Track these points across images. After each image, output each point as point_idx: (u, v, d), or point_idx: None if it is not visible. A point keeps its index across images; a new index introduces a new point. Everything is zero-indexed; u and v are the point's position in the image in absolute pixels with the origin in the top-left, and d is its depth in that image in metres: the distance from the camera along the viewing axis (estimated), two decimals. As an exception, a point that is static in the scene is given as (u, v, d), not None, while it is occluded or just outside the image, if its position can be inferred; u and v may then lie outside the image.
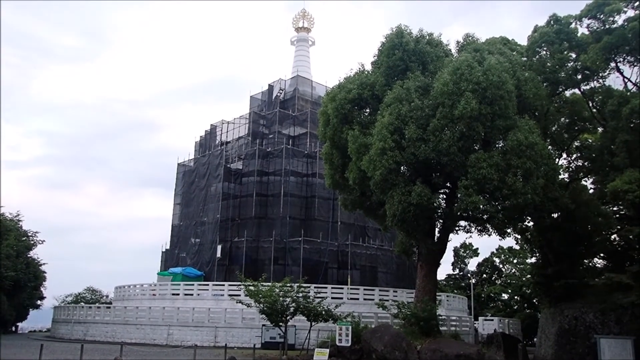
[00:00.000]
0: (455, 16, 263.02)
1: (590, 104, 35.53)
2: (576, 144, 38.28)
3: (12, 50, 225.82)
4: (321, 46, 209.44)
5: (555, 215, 33.82)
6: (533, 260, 45.51)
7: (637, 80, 33.17)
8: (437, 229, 32.20)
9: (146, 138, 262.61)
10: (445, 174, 29.87)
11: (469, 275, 70.01)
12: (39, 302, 66.05)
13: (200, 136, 65.50)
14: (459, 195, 27.92)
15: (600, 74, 33.83)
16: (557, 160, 36.30)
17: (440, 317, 32.83)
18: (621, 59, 32.57)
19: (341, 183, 33.63)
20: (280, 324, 30.37)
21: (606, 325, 31.90)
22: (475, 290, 62.63)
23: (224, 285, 45.46)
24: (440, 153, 27.33)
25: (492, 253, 70.22)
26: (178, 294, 46.21)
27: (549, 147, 34.33)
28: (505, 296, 67.06)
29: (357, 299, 43.95)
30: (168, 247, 61.65)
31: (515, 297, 65.33)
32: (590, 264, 38.95)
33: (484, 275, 70.93)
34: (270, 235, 51.02)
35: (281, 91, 62.35)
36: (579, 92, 35.66)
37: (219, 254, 52.41)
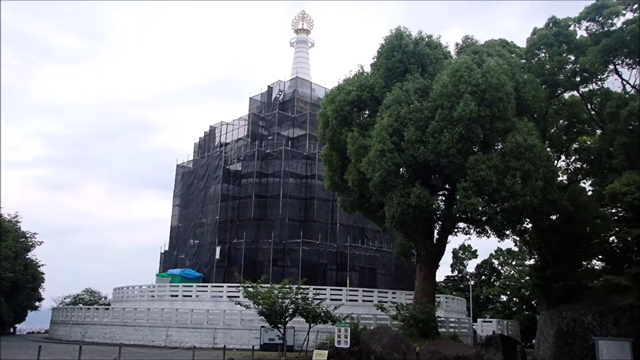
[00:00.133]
0: (455, 18, 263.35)
1: (589, 106, 35.62)
2: (575, 146, 38.39)
3: (11, 52, 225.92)
4: (321, 48, 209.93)
5: (553, 217, 33.90)
6: (532, 262, 45.61)
7: (636, 83, 33.28)
8: (436, 231, 32.25)
9: (146, 139, 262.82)
10: (444, 176, 29.93)
11: (467, 277, 70.02)
12: (37, 303, 65.93)
13: (200, 137, 65.53)
14: (457, 197, 27.95)
15: (599, 77, 33.96)
16: (555, 162, 36.42)
17: (439, 319, 32.84)
18: (620, 62, 32.67)
19: (340, 185, 33.68)
20: (279, 325, 30.38)
21: (604, 327, 31.96)
22: (474, 292, 62.66)
23: (222, 286, 45.48)
24: (439, 155, 27.39)
25: (491, 255, 70.32)
26: (177, 296, 46.18)
27: (548, 149, 34.43)
28: (504, 298, 67.12)
29: (356, 300, 43.96)
30: (167, 248, 61.66)
31: (514, 299, 65.41)
32: (589, 266, 39.04)
33: (483, 277, 70.98)
34: (269, 236, 51.04)
35: (280, 93, 62.40)
36: (578, 95, 35.76)
37: (217, 256, 52.40)
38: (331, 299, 39.74)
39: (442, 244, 32.58)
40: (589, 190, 38.30)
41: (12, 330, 66.15)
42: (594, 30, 33.08)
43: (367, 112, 32.77)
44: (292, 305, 30.07)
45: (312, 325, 31.00)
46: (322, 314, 30.35)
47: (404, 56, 31.13)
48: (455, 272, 71.95)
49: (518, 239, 40.31)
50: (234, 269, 49.87)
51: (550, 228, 34.05)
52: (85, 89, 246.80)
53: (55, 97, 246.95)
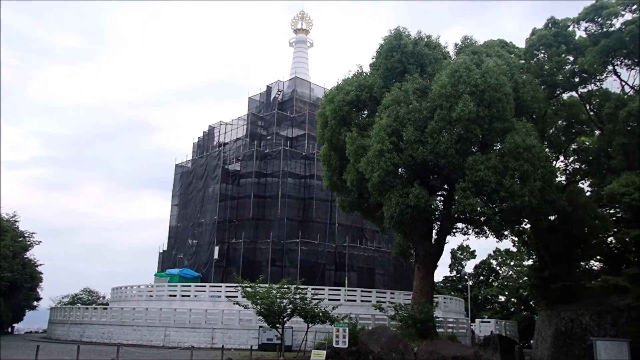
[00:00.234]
0: (455, 18, 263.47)
1: (588, 107, 35.65)
2: (573, 146, 38.42)
3: (11, 52, 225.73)
4: (320, 48, 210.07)
5: (552, 218, 33.94)
6: (530, 262, 45.67)
7: (635, 84, 33.31)
8: (434, 231, 32.27)
9: (145, 139, 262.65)
10: (443, 176, 29.94)
11: (466, 277, 70.05)
12: (35, 303, 65.78)
13: (198, 137, 65.50)
14: (456, 198, 27.95)
15: (598, 77, 34.00)
16: (554, 162, 36.46)
17: (437, 319, 32.85)
18: (618, 62, 32.69)
19: (339, 185, 33.66)
20: (278, 325, 30.39)
21: (602, 328, 31.99)
22: (472, 292, 62.65)
23: (221, 286, 45.47)
24: (438, 155, 27.40)
25: (489, 255, 70.32)
26: (175, 295, 46.17)
27: (546, 149, 34.48)
28: (502, 298, 67.15)
29: (355, 300, 43.97)
30: (165, 248, 61.63)
31: (512, 299, 65.43)
32: (587, 267, 39.07)
33: (481, 278, 70.98)
34: (268, 236, 51.02)
35: (279, 93, 62.38)
36: (577, 95, 35.79)
37: (216, 255, 52.36)
38: (329, 299, 39.73)
39: (440, 244, 32.58)
40: (588, 190, 38.32)
41: (9, 330, 66.04)
42: (593, 31, 33.10)
43: (366, 112, 32.75)
44: (291, 305, 30.08)
45: (310, 325, 31.02)
46: (321, 314, 30.37)
47: (403, 56, 31.12)
48: (454, 273, 71.99)
49: (516, 239, 40.36)
50: (233, 269, 49.88)
51: (548, 228, 34.09)
52: (85, 89, 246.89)
53: (55, 97, 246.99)
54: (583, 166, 38.06)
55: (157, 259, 61.82)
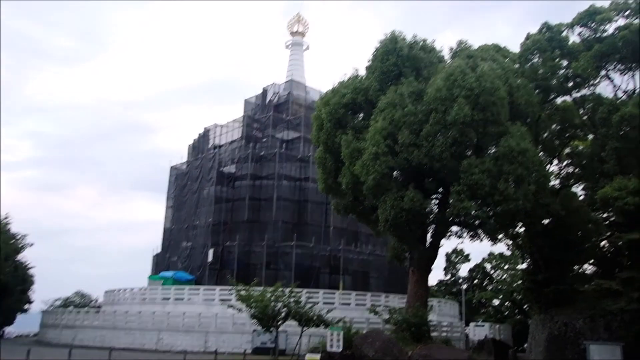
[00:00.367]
0: (449, 22, 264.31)
1: (581, 111, 35.90)
2: (567, 150, 38.64)
3: (7, 52, 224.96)
4: (316, 51, 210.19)
5: (546, 222, 34.10)
6: (524, 266, 45.80)
7: (627, 88, 33.60)
8: (429, 235, 32.39)
9: (140, 140, 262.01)
10: (438, 180, 30.07)
11: (460, 281, 70.17)
12: (26, 306, 65.30)
13: (194, 139, 65.45)
14: (451, 201, 28.09)
15: (591, 82, 34.25)
16: (548, 166, 36.66)
17: (431, 323, 32.95)
18: (612, 67, 33.01)
19: (334, 188, 33.70)
20: (272, 329, 30.34)
21: (595, 332, 32.13)
22: (467, 296, 62.71)
23: (215, 289, 45.35)
24: (433, 158, 27.52)
25: (484, 259, 70.36)
26: (168, 299, 45.99)
27: (540, 153, 34.71)
28: (496, 302, 67.20)
29: (349, 304, 43.96)
30: (159, 250, 61.52)
31: (506, 303, 65.52)
32: (580, 270, 39.21)
33: (475, 281, 71.04)
34: (263, 239, 51.01)
35: (275, 95, 62.42)
36: (570, 100, 36.05)
37: (210, 258, 52.29)
38: (324, 303, 39.69)
39: (435, 247, 32.70)
40: (581, 194, 38.54)
41: (0, 333, 65.67)
42: (586, 35, 33.41)
43: (361, 115, 32.86)
44: (285, 309, 30.03)
45: (304, 328, 30.98)
46: (315, 317, 30.33)
47: (399, 60, 31.26)
48: (448, 276, 72.07)
49: (510, 243, 40.51)
50: (227, 272, 49.87)
51: (542, 232, 34.26)
52: (80, 90, 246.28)
53: (50, 98, 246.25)
54: (576, 170, 38.28)
55: (150, 261, 61.72)
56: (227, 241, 53.27)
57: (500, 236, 32.29)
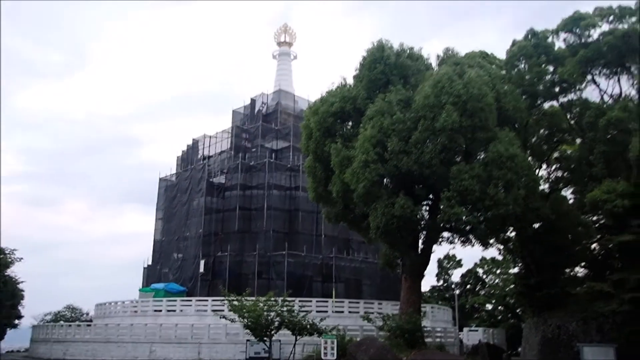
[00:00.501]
0: (436, 31, 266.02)
1: (569, 116, 36.28)
2: (555, 155, 39.00)
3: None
4: (303, 60, 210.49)
5: (536, 226, 34.35)
6: (516, 270, 46.04)
7: (613, 93, 34.02)
8: (420, 241, 32.48)
9: (129, 153, 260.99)
10: (428, 186, 30.22)
11: (452, 286, 70.34)
12: (16, 321, 64.65)
13: (183, 151, 65.21)
14: (441, 207, 28.23)
15: (578, 87, 34.65)
16: (537, 171, 36.99)
17: (425, 329, 33.03)
18: (597, 72, 33.48)
19: (324, 196, 33.76)
20: (265, 338, 30.26)
21: (588, 334, 32.39)
22: (460, 301, 62.84)
23: (207, 300, 45.17)
24: (423, 165, 27.68)
25: (476, 264, 70.60)
26: (160, 310, 45.76)
27: (529, 158, 35.00)
28: (489, 306, 67.40)
29: (342, 312, 43.90)
30: (150, 263, 61.11)
31: (499, 308, 65.75)
32: (572, 274, 39.53)
33: (468, 286, 71.22)
34: (254, 249, 50.88)
35: (263, 105, 62.46)
36: (557, 105, 36.40)
37: (202, 269, 52.05)
38: (317, 311, 39.64)
39: (426, 253, 32.80)
40: (570, 198, 38.91)
41: (-9, 349, 64.99)
42: (571, 41, 33.87)
43: (350, 123, 33.00)
44: (278, 318, 29.97)
45: (298, 337, 30.92)
46: (308, 326, 30.27)
47: (386, 68, 31.46)
48: (441, 282, 72.23)
49: (502, 247, 40.75)
50: (219, 283, 49.63)
51: (533, 236, 34.51)
52: (68, 104, 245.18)
53: (38, 113, 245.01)
54: (565, 174, 38.64)
55: (141, 273, 61.23)
56: (218, 252, 53.07)
57: (491, 241, 32.53)
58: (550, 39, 34.83)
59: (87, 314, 68.12)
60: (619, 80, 34.17)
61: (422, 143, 27.90)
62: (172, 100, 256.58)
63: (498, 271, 68.56)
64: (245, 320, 29.59)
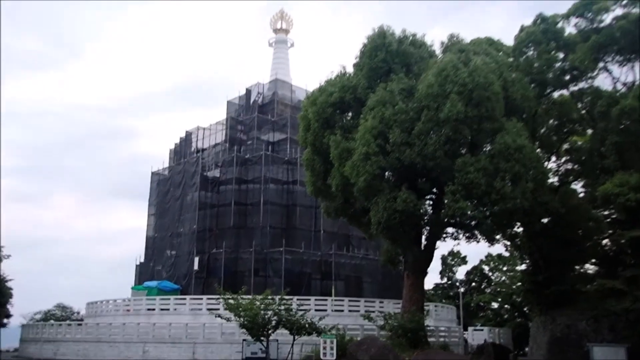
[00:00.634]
0: (439, 17, 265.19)
1: (579, 105, 36.01)
2: (565, 146, 38.74)
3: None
4: (301, 48, 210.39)
5: (545, 221, 34.18)
6: (523, 267, 45.92)
7: (627, 80, 33.74)
8: (423, 237, 32.36)
9: (118, 146, 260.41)
10: (432, 179, 30.04)
11: (457, 284, 70.28)
12: (5, 320, 64.84)
13: (175, 143, 65.09)
14: (445, 201, 28.10)
15: (589, 74, 34.37)
16: (546, 163, 36.75)
17: (428, 328, 32.94)
18: (610, 59, 33.16)
19: (323, 190, 33.63)
20: (262, 338, 30.18)
21: (599, 333, 32.27)
22: (464, 300, 62.82)
23: (202, 299, 45.15)
24: (426, 157, 27.50)
25: (481, 261, 70.59)
26: (153, 309, 45.78)
27: (538, 150, 34.75)
28: (495, 305, 67.42)
29: (342, 310, 43.86)
30: (142, 260, 61.12)
31: (506, 306, 65.73)
32: (582, 270, 39.37)
33: (473, 284, 71.24)
34: (250, 245, 50.81)
35: (259, 95, 62.27)
36: (568, 93, 36.14)
37: (196, 267, 52.02)
38: (316, 310, 39.56)
39: (430, 250, 32.68)
40: (581, 192, 38.70)
41: (-22, 349, 65.08)
42: (583, 26, 33.54)
43: (350, 114, 32.83)
44: (275, 317, 29.88)
45: (296, 337, 30.83)
46: (307, 325, 30.19)
47: (388, 55, 31.24)
48: (445, 279, 72.24)
49: (509, 243, 40.58)
50: (214, 280, 49.55)
51: (541, 232, 34.32)
52: (53, 95, 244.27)
53: (21, 104, 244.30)
54: (576, 166, 38.40)
55: (133, 271, 61.28)
56: (213, 248, 53.04)
57: (497, 237, 32.33)
58: (560, 24, 34.50)
59: (78, 312, 68.24)
60: (632, 67, 33.88)
61: (426, 134, 27.72)
62: (163, 91, 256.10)
63: (505, 268, 68.55)
64: (242, 320, 29.51)
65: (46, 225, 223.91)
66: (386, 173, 29.66)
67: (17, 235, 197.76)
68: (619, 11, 32.87)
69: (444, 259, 71.48)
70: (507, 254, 61.44)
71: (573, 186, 38.90)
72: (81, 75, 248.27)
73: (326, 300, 44.41)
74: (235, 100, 63.47)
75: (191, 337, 38.99)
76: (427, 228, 31.73)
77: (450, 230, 31.49)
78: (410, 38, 33.12)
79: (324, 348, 28.07)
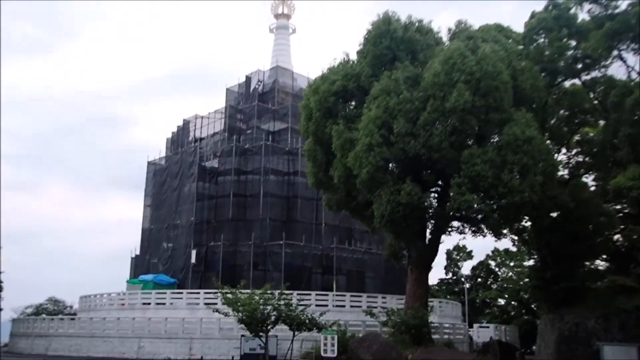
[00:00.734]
0: (444, 4, 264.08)
1: (592, 96, 35.82)
2: (576, 138, 38.59)
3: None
4: (303, 34, 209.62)
5: (554, 215, 34.12)
6: (531, 262, 45.93)
7: (642, 70, 33.49)
8: (428, 231, 32.41)
9: (113, 134, 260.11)
10: (437, 171, 30.03)
11: (462, 279, 70.34)
12: (-5, 314, 65.12)
13: (172, 132, 65.02)
14: (451, 194, 28.10)
15: (602, 63, 34.07)
16: (556, 155, 36.58)
17: (432, 325, 33.02)
18: (624, 47, 32.82)
19: (325, 182, 33.65)
20: (261, 334, 30.30)
21: (609, 332, 32.27)
22: (470, 296, 62.96)
23: (199, 293, 45.26)
24: (431, 149, 27.47)
25: (488, 256, 70.64)
26: (149, 304, 45.90)
27: (547, 141, 34.60)
28: (501, 301, 67.51)
29: (344, 306, 43.99)
30: (138, 252, 61.17)
31: (513, 303, 65.76)
32: (592, 266, 39.36)
33: (479, 280, 71.36)
34: (249, 238, 50.85)
35: (259, 83, 62.07)
36: (580, 83, 35.94)
37: (193, 260, 52.10)
38: (316, 305, 39.65)
39: (434, 244, 32.72)
40: (592, 185, 38.59)
41: (-32, 344, 65.35)
42: (596, 13, 33.22)
43: (353, 103, 32.81)
44: (275, 312, 30.00)
45: (296, 333, 30.95)
46: (307, 321, 30.29)
47: (393, 42, 31.17)
48: (450, 275, 72.33)
49: (516, 238, 40.54)
50: (211, 274, 49.66)
51: (550, 226, 34.24)
52: (46, 81, 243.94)
53: (13, 90, 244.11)
54: (587, 159, 38.27)
55: (129, 264, 61.36)
56: (211, 241, 53.08)
57: (505, 231, 32.37)
58: (573, 10, 34.20)
59: (71, 306, 68.48)
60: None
61: (431, 125, 27.68)
62: (160, 77, 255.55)
63: (512, 263, 68.59)
64: (240, 315, 29.64)
65: (38, 215, 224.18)
66: (390, 165, 29.64)
67: (7, 226, 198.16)
68: (634, -4, 32.63)
69: (449, 253, 71.57)
70: (514, 249, 61.29)
71: (584, 179, 38.80)
72: (76, 60, 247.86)
73: (327, 295, 44.52)
74: (235, 88, 63.34)
75: (188, 333, 39.13)
76: (432, 222, 31.73)
77: (455, 224, 31.50)
78: (416, 24, 33.04)
79: (325, 344, 28.16)
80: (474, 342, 44.44)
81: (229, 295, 30.26)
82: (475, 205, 27.54)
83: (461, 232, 31.67)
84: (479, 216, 28.92)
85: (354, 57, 33.71)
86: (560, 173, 35.35)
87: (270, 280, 40.65)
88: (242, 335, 34.65)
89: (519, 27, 36.85)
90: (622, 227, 35.47)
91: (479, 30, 33.84)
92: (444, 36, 34.51)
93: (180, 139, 62.93)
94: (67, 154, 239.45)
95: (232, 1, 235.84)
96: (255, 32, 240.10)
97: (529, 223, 35.29)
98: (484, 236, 31.06)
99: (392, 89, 28.83)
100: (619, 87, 32.39)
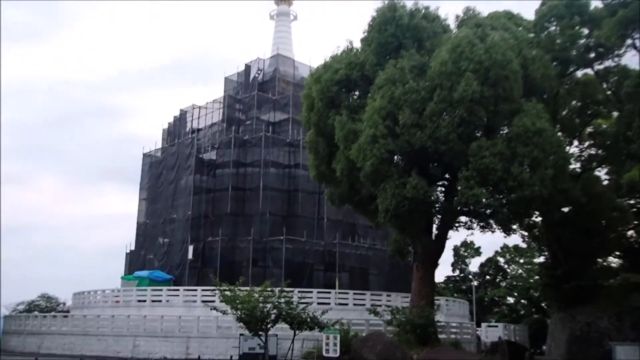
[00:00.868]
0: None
1: (605, 86, 35.79)
2: (589, 130, 38.58)
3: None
4: (304, 21, 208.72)
5: (565, 210, 34.21)
6: (541, 259, 46.03)
7: (657, 59, 33.48)
8: (434, 226, 32.47)
9: (107, 125, 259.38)
10: (444, 164, 30.07)
11: (470, 277, 70.39)
12: (-15, 311, 65.34)
13: (169, 123, 64.93)
14: (459, 188, 28.12)
15: (616, 52, 34.06)
16: (567, 148, 36.59)
17: (438, 324, 33.07)
18: (638, 35, 32.83)
19: (327, 175, 33.68)
20: (260, 333, 30.37)
21: (622, 331, 32.38)
22: (478, 294, 62.98)
23: (196, 290, 45.33)
24: (438, 141, 27.49)
25: (496, 252, 70.57)
26: (145, 301, 45.93)
27: (559, 133, 34.64)
28: (510, 300, 67.56)
29: (346, 304, 43.99)
30: (133, 248, 61.26)
31: (522, 301, 65.84)
32: (605, 263, 39.41)
33: (487, 277, 71.35)
34: (248, 233, 50.90)
35: (259, 72, 61.96)
36: (592, 72, 35.91)
37: (190, 256, 52.13)
38: (318, 303, 39.74)
39: (441, 240, 32.76)
40: (605, 179, 38.66)
41: (-43, 342, 65.59)
42: (609, 0, 33.19)
43: (357, 93, 32.81)
44: (275, 311, 30.05)
45: (297, 332, 31.02)
46: (308, 319, 30.34)
47: (398, 30, 31.15)
48: (457, 272, 72.30)
49: (526, 234, 40.67)
50: (209, 271, 49.65)
51: (561, 221, 34.33)
52: (36, 70, 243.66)
53: (3, 80, 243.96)
54: (599, 151, 38.27)
55: (123, 260, 61.46)
56: (209, 236, 53.10)
57: (514, 226, 32.42)
58: (585, -3, 34.27)
59: (64, 303, 68.57)
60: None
61: (438, 116, 27.70)
62: (156, 66, 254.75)
63: (521, 260, 68.58)
64: (239, 313, 29.69)
65: (29, 209, 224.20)
66: (395, 157, 29.69)
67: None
68: (650, -17, 32.59)
69: (456, 250, 71.50)
70: (524, 245, 61.47)
71: (596, 173, 38.84)
72: (68, 48, 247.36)
73: (329, 292, 44.53)
74: (234, 77, 63.21)
75: (185, 331, 39.20)
76: (439, 216, 31.79)
77: (463, 219, 31.52)
78: (423, 11, 33.02)
79: (327, 344, 28.21)
80: (482, 342, 44.51)
81: (228, 293, 30.32)
82: (484, 200, 27.63)
83: (469, 228, 31.69)
84: (488, 211, 28.94)
85: (357, 45, 33.75)
86: (571, 166, 35.36)
87: (270, 277, 40.73)
88: (241, 334, 34.75)
89: (529, 15, 36.89)
90: (635, 222, 35.56)
91: (487, 18, 33.79)
92: (452, 23, 34.53)
93: (176, 130, 62.87)
94: (58, 146, 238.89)
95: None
96: (255, 18, 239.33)
97: (539, 218, 35.38)
98: (493, 232, 31.11)
99: (398, 78, 28.82)
100: (633, 77, 32.40)
